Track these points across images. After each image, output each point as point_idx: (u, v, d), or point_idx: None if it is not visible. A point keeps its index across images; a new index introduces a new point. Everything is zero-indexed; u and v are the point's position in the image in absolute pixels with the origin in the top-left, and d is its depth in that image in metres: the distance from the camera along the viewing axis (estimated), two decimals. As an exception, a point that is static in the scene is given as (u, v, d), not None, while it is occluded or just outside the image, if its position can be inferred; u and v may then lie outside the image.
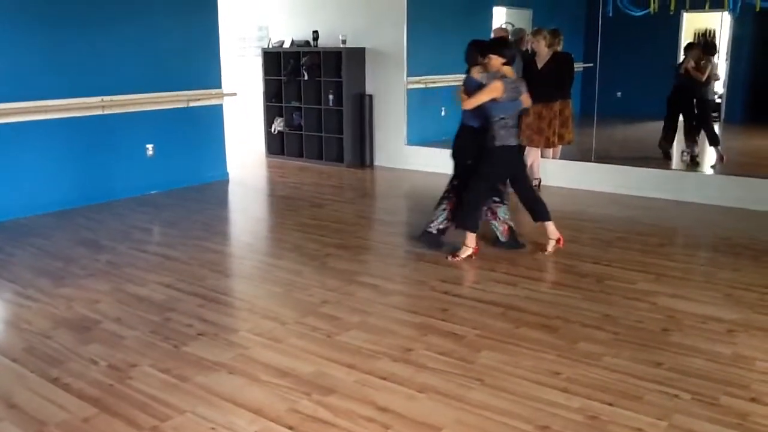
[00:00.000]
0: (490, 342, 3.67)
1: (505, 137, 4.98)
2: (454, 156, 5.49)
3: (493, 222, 5.38)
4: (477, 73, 5.12)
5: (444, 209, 5.41)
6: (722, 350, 3.56)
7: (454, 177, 5.48)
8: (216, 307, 4.23)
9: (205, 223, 6.29)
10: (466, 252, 5.13)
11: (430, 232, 5.42)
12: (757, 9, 7.99)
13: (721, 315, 4.03)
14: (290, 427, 2.86)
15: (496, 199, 5.34)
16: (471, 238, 5.15)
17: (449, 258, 5.12)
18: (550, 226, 5.24)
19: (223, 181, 8.12)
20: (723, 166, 7.82)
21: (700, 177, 7.41)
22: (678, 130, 8.35)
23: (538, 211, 5.26)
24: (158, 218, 6.52)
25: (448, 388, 3.17)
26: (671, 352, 3.53)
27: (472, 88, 5.07)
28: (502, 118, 4.96)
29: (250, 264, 5.24)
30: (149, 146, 7.42)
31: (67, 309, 4.20)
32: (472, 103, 4.98)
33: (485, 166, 5.09)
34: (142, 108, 7.29)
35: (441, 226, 5.40)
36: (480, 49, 5.18)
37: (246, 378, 3.29)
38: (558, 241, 5.23)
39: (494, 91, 4.88)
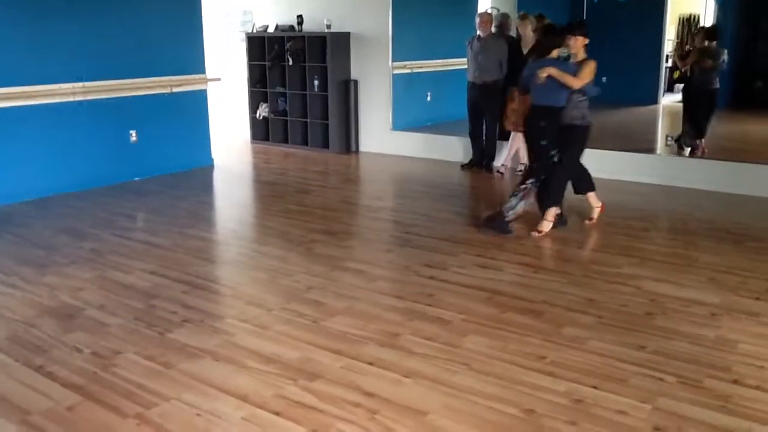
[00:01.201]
0: (476, 327, 3.68)
1: (588, 116, 5.21)
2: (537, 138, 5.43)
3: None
4: (557, 54, 5.20)
5: (522, 197, 5.31)
6: (705, 333, 3.59)
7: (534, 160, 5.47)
8: (201, 294, 4.21)
9: (190, 210, 6.25)
10: (548, 226, 5.28)
11: (505, 219, 5.32)
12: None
13: (704, 298, 4.06)
14: (276, 413, 2.85)
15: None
16: (551, 213, 5.29)
17: (535, 234, 5.26)
18: (593, 197, 5.58)
19: (208, 168, 8.07)
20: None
21: (686, 162, 7.44)
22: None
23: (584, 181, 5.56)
24: (142, 205, 6.47)
25: (435, 373, 3.18)
26: (655, 336, 3.56)
27: (571, 69, 5.10)
28: (587, 98, 5.17)
29: (235, 250, 5.21)
30: (132, 132, 7.35)
31: (51, 297, 4.16)
32: (581, 81, 5.06)
33: (577, 144, 5.25)
34: (125, 94, 7.21)
35: (520, 212, 5.36)
36: (563, 30, 5.29)
37: (232, 364, 3.28)
38: (600, 208, 5.58)
39: (594, 70, 5.06)
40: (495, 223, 5.35)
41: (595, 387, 3.05)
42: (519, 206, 5.29)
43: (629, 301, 4.02)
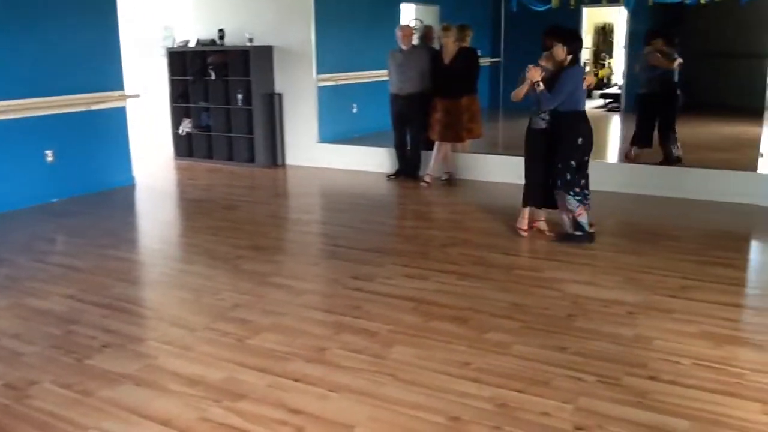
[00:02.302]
0: (403, 337, 3.70)
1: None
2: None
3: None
4: (545, 61, 5.20)
5: (579, 208, 5.26)
6: (624, 332, 3.71)
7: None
8: (122, 317, 4.09)
9: (111, 231, 6.07)
10: (524, 223, 5.48)
11: (581, 233, 5.27)
12: (650, 3, 8.36)
13: (623, 298, 4.19)
14: (200, 436, 2.80)
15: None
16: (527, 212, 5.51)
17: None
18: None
19: (130, 186, 7.87)
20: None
21: (606, 165, 7.67)
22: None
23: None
24: (61, 227, 6.25)
25: (361, 386, 3.17)
26: (576, 337, 3.65)
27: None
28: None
29: (159, 270, 5.10)
30: (49, 152, 7.10)
31: (-40, 327, 3.97)
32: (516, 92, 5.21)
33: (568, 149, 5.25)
34: (40, 112, 6.96)
35: (585, 214, 5.28)
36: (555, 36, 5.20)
37: (154, 389, 3.20)
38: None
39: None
40: (575, 238, 5.28)
41: (519, 391, 3.10)
42: (584, 215, 5.24)
43: (552, 304, 4.12)
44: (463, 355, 3.46)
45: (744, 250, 5.45)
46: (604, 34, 10.38)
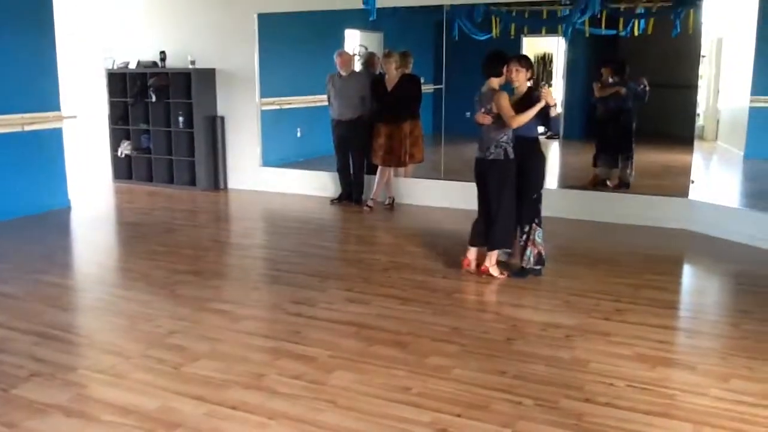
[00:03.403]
0: (342, 362, 3.67)
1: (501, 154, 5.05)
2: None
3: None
4: (496, 84, 5.02)
5: (527, 243, 5.11)
6: (561, 355, 3.76)
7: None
8: (52, 345, 3.94)
9: (44, 255, 5.88)
10: (496, 271, 5.11)
11: (531, 268, 5.11)
12: (587, 35, 8.63)
13: (561, 321, 4.26)
14: (131, 468, 2.71)
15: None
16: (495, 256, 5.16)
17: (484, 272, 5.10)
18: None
19: (65, 209, 7.64)
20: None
21: (544, 192, 7.83)
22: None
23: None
24: (-11, 251, 6.02)
25: (299, 413, 3.13)
26: (515, 360, 3.69)
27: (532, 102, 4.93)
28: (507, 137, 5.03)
29: (93, 296, 4.95)
30: (-22, 174, 6.87)
31: None
32: (515, 120, 4.88)
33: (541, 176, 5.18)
34: (-31, 133, 6.75)
35: (538, 252, 5.14)
36: (508, 60, 5.07)
37: (84, 419, 3.09)
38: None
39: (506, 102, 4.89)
40: (525, 272, 5.12)
41: (458, 415, 3.11)
42: (531, 253, 5.09)
43: (491, 328, 4.15)
44: (403, 380, 3.45)
45: (676, 274, 5.61)
46: (543, 63, 10.64)
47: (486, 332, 4.09)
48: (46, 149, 7.49)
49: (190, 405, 3.20)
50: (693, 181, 7.03)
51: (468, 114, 9.93)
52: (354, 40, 9.62)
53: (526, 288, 4.93)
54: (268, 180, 8.78)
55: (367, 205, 7.63)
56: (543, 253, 5.16)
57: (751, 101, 8.64)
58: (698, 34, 7.31)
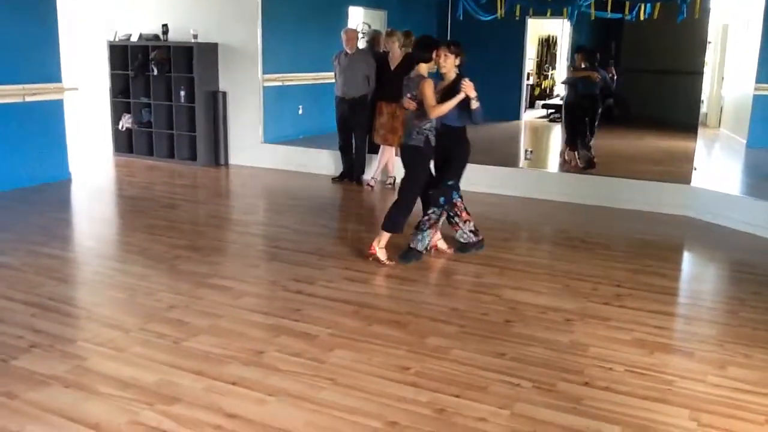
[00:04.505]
0: (342, 341, 3.67)
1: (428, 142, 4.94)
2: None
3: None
4: (424, 70, 4.90)
5: (429, 227, 5.05)
6: (560, 338, 3.77)
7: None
8: (51, 317, 3.95)
9: (43, 227, 5.87)
10: (383, 254, 4.98)
11: (419, 251, 5.05)
12: (593, 18, 8.57)
13: (560, 305, 4.27)
14: (130, 441, 2.72)
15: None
16: (386, 239, 5.00)
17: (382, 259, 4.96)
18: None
19: (65, 181, 7.62)
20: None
21: (543, 174, 7.82)
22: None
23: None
24: (-11, 222, 6.02)
25: (299, 390, 3.14)
26: (514, 343, 3.69)
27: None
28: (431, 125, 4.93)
29: (92, 269, 4.94)
30: (-22, 144, 6.84)
31: None
32: (435, 110, 4.77)
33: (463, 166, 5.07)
34: (-30, 102, 6.71)
35: (432, 242, 5.15)
36: (437, 44, 4.95)
37: (83, 391, 3.09)
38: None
39: (430, 89, 4.77)
40: (410, 254, 5.03)
41: (456, 396, 3.12)
42: (427, 238, 5.05)
43: (490, 310, 4.16)
44: (402, 360, 3.45)
45: (676, 260, 5.61)
46: (547, 45, 10.57)
47: (485, 314, 4.09)
48: (47, 121, 7.46)
49: (189, 379, 3.21)
50: (695, 168, 7.01)
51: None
52: (357, 18, 9.55)
53: (526, 271, 4.92)
54: (269, 157, 8.75)
55: (368, 184, 7.61)
56: (436, 244, 5.18)
57: (756, 89, 8.58)
58: (705, 20, 7.25)
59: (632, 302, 4.33)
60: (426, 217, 5.04)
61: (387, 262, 4.94)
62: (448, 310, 4.14)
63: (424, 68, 4.91)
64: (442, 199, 5.01)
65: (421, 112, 4.84)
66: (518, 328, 3.90)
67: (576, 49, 8.41)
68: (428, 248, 5.11)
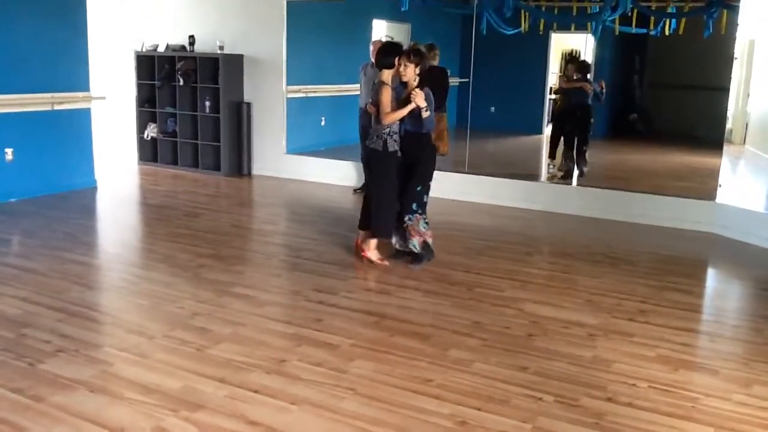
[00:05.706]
0: (364, 351, 3.68)
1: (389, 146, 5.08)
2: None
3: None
4: (389, 78, 5.00)
5: (411, 234, 5.18)
6: (583, 353, 3.75)
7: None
8: (77, 322, 4.00)
9: (69, 233, 5.95)
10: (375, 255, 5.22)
11: (418, 253, 5.21)
12: (617, 33, 8.56)
13: (583, 320, 4.24)
14: (154, 446, 2.74)
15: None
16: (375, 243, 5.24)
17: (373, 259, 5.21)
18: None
19: (91, 189, 7.73)
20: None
21: (564, 189, 7.79)
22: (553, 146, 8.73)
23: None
24: (16, 227, 6.10)
25: (321, 399, 3.15)
26: (536, 357, 3.68)
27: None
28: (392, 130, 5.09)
29: (117, 276, 5.00)
30: (8, 150, 6.95)
31: None
32: (388, 117, 4.93)
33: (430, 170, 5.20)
34: (1, 110, 6.81)
35: (424, 241, 5.22)
36: (400, 52, 5.03)
37: (108, 396, 3.13)
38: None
39: (387, 97, 4.94)
40: (418, 258, 5.19)
41: (478, 408, 3.11)
42: (417, 242, 5.15)
43: (512, 323, 4.14)
44: (424, 372, 3.45)
45: (700, 277, 5.56)
46: (571, 60, 10.57)
47: (507, 327, 4.08)
48: (75, 129, 7.58)
49: (212, 386, 3.23)
50: (720, 185, 6.95)
51: (492, 109, 9.95)
52: (381, 31, 9.62)
53: (548, 285, 4.91)
54: (292, 167, 8.81)
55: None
56: (429, 242, 5.23)
57: (782, 106, 8.52)
58: (732, 36, 7.20)
59: (656, 318, 4.30)
60: (404, 227, 5.16)
61: (380, 262, 5.15)
62: (470, 323, 4.14)
63: (386, 74, 5.03)
64: (414, 205, 5.13)
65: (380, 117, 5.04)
66: (541, 342, 3.89)
67: (568, 59, 8.59)
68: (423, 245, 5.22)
